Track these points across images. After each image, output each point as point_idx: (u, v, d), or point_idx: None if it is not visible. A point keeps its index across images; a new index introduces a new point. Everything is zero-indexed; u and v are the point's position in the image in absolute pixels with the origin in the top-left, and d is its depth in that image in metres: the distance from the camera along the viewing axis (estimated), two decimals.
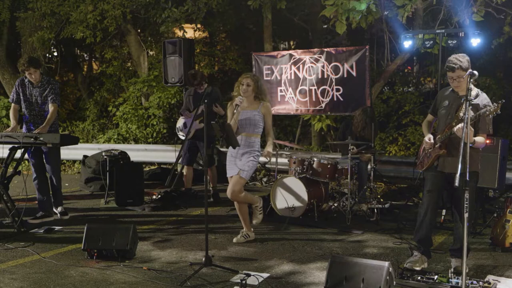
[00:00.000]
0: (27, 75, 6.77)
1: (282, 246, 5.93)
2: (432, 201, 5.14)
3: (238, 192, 5.91)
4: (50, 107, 6.80)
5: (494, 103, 4.58)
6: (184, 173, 8.53)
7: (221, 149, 10.30)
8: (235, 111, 5.78)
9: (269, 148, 6.01)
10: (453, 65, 4.83)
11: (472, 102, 4.72)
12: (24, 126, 7.02)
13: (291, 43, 16.30)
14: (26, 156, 6.73)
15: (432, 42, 8.32)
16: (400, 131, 11.37)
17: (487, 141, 5.35)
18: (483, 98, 4.88)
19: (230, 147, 5.79)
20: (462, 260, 4.11)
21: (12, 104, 6.97)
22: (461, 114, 4.82)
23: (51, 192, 7.20)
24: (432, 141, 5.08)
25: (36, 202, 7.22)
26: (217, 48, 15.13)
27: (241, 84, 5.90)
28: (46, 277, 4.91)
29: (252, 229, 6.22)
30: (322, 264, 5.24)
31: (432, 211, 5.15)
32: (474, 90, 4.86)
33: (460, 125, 4.63)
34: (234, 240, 6.06)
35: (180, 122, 8.61)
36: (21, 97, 6.86)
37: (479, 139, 4.81)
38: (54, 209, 7.21)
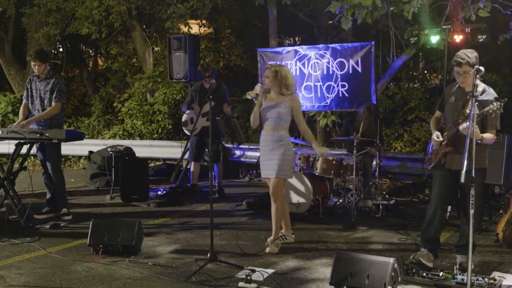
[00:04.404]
0: (32, 65, 6.80)
1: (287, 242, 5.91)
2: (441, 201, 5.12)
3: (280, 192, 5.64)
4: (52, 104, 6.76)
5: (497, 102, 4.55)
6: (191, 169, 8.55)
7: (227, 145, 10.32)
8: (255, 100, 5.53)
9: (318, 147, 5.74)
10: (461, 60, 4.78)
11: (479, 99, 4.69)
12: None
13: (296, 39, 16.26)
14: (32, 151, 6.75)
15: (438, 38, 8.30)
16: (405, 127, 11.32)
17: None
18: (490, 94, 4.84)
19: (262, 145, 5.64)
20: (468, 256, 4.09)
21: (24, 100, 7.00)
22: (468, 110, 4.79)
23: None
24: (440, 138, 5.05)
25: (44, 197, 7.26)
26: (222, 44, 15.12)
27: (265, 76, 5.61)
28: (52, 272, 4.93)
29: (292, 231, 5.98)
30: (327, 260, 5.24)
31: (440, 211, 5.14)
32: (481, 86, 4.83)
33: (465, 124, 4.60)
34: (267, 250, 5.57)
35: (185, 117, 8.61)
36: (29, 93, 6.90)
37: (488, 135, 4.77)
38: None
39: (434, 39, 8.32)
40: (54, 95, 6.74)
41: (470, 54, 4.80)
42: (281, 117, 5.55)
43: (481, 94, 4.76)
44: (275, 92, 5.60)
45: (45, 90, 6.78)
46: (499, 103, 4.53)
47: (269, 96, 5.61)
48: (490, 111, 4.59)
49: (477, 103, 4.65)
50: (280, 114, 5.54)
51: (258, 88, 5.57)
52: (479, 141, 4.61)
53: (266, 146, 5.61)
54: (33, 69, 6.80)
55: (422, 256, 5.08)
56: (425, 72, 13.78)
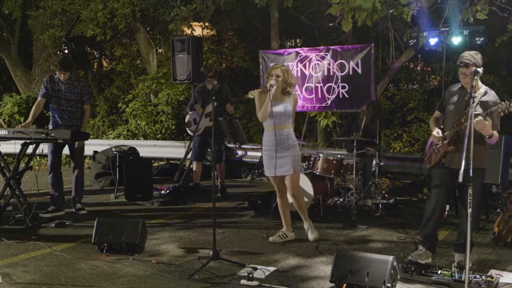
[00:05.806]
0: (58, 74, 7.09)
1: (288, 240, 5.99)
2: (440, 198, 5.16)
3: (298, 187, 5.96)
4: (85, 108, 7.24)
5: (506, 102, 4.59)
6: (194, 169, 8.65)
7: (229, 145, 10.41)
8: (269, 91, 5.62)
9: None
10: (468, 61, 4.76)
11: (482, 100, 4.78)
12: (51, 119, 7.21)
13: (298, 41, 16.32)
14: (37, 151, 6.86)
15: (436, 40, 8.38)
16: (404, 127, 11.42)
17: None
18: (492, 96, 4.89)
19: (266, 144, 5.79)
20: (466, 255, 4.12)
21: (38, 98, 7.16)
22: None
23: (74, 187, 7.38)
24: (440, 134, 5.08)
25: (48, 196, 7.36)
26: (224, 46, 15.20)
27: (270, 75, 5.72)
28: (57, 270, 4.99)
29: (292, 229, 6.11)
30: (327, 258, 5.30)
31: (440, 209, 5.18)
32: (483, 88, 4.89)
33: (478, 118, 4.56)
34: (270, 239, 5.97)
35: (188, 118, 8.71)
36: (49, 93, 7.09)
37: (495, 133, 4.82)
38: (73, 205, 7.39)
39: (433, 41, 8.42)
40: (85, 98, 7.21)
41: (475, 56, 4.80)
42: (287, 114, 5.75)
43: (483, 95, 4.83)
44: (279, 90, 5.74)
45: (71, 92, 7.12)
46: (508, 103, 4.56)
47: (274, 95, 5.68)
48: (499, 110, 4.63)
49: (479, 103, 4.73)
50: (286, 112, 5.74)
51: (273, 82, 5.64)
52: (487, 136, 4.69)
53: (281, 145, 5.70)
54: (59, 77, 7.07)
55: (420, 256, 5.12)
56: (424, 73, 13.87)
